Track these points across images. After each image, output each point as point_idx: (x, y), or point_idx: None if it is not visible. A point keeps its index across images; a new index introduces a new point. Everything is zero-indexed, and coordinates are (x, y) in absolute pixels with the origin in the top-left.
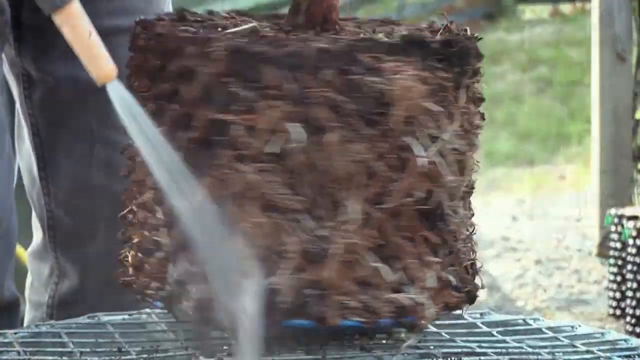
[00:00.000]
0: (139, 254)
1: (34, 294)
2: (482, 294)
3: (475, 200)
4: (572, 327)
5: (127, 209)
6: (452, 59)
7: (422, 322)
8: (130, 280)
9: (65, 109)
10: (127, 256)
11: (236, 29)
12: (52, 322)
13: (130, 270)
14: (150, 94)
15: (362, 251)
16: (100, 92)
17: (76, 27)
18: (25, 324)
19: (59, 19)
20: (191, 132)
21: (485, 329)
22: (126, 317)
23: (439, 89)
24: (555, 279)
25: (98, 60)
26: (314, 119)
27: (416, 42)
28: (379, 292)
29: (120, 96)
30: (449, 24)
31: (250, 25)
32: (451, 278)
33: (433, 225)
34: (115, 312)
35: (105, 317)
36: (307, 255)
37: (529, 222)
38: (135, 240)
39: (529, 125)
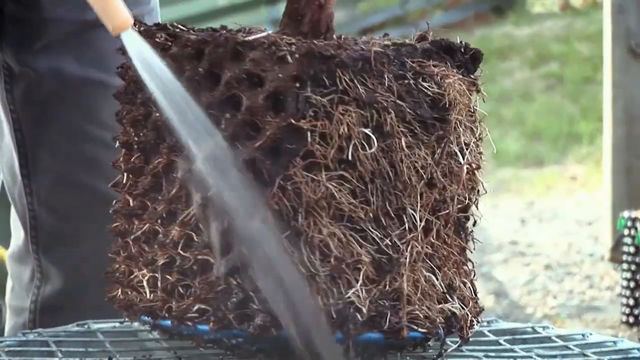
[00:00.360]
0: (170, 276)
1: (15, 299)
2: (489, 301)
3: (482, 202)
4: (583, 335)
5: (142, 227)
6: (468, 64)
7: (469, 332)
8: (155, 305)
9: (48, 104)
10: (140, 279)
11: (256, 35)
12: (40, 330)
13: (149, 294)
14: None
15: (424, 260)
16: (84, 86)
17: None
18: (6, 331)
19: None
20: (256, 141)
21: (492, 337)
22: (117, 324)
23: (470, 94)
24: (566, 284)
25: (113, 7)
26: (384, 125)
27: (446, 47)
28: (433, 303)
29: (137, 47)
30: (426, 32)
31: (265, 33)
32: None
33: (460, 233)
34: (104, 319)
35: (95, 325)
36: (377, 266)
37: (539, 225)
38: (162, 262)
39: (539, 124)
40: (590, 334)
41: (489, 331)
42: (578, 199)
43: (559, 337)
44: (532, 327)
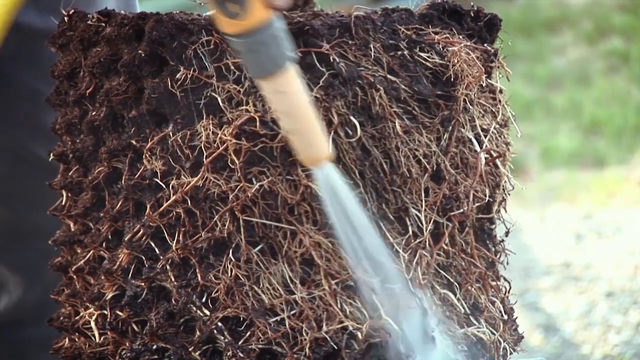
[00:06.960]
0: (120, 312)
1: None
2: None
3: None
4: None
5: (86, 255)
6: (482, 33)
7: None
8: (106, 350)
9: (3, 63)
10: (86, 320)
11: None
12: None
13: (99, 337)
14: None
15: (437, 273)
16: (44, 40)
17: (294, 95)
18: None
19: (272, 85)
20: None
21: None
22: None
23: (485, 67)
24: (632, 316)
25: (319, 139)
26: (372, 105)
27: (451, 11)
28: (451, 326)
29: (330, 180)
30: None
31: None
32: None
33: (486, 241)
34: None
35: None
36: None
37: (597, 243)
38: (110, 295)
39: (598, 114)
40: None
41: None
42: None
43: None
44: None
